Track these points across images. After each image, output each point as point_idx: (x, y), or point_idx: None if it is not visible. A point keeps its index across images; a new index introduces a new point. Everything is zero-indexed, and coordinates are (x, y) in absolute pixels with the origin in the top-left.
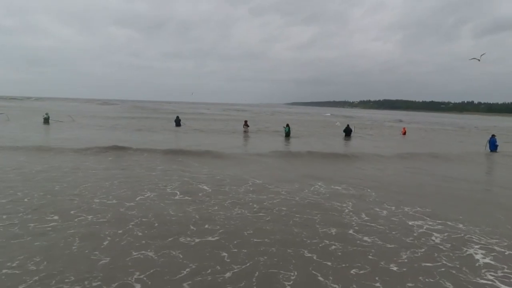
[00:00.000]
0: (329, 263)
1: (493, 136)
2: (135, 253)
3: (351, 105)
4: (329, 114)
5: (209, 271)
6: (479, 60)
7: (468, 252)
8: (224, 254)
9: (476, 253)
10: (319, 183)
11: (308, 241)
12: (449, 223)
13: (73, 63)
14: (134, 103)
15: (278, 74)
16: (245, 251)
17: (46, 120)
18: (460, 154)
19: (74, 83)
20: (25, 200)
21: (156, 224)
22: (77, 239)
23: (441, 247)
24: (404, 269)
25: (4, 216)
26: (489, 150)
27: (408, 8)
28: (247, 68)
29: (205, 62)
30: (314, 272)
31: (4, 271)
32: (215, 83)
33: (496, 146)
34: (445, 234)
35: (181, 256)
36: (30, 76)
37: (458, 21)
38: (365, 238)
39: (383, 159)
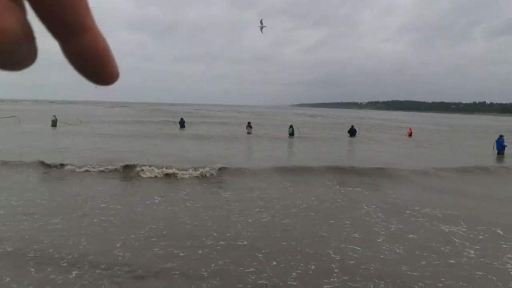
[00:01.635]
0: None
1: (501, 136)
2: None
3: (359, 106)
4: (342, 119)
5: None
6: (265, 26)
7: (501, 263)
8: (258, 254)
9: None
10: (337, 186)
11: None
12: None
13: None
14: (145, 106)
15: (287, 76)
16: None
17: (54, 123)
18: (468, 162)
19: (87, 86)
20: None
21: (165, 232)
22: (87, 240)
23: (471, 255)
24: (427, 273)
25: (24, 217)
26: (497, 151)
27: (419, 11)
28: (256, 70)
29: (215, 65)
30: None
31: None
32: (224, 86)
33: (504, 146)
34: (477, 243)
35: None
36: (46, 80)
37: (470, 23)
38: (390, 246)
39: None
